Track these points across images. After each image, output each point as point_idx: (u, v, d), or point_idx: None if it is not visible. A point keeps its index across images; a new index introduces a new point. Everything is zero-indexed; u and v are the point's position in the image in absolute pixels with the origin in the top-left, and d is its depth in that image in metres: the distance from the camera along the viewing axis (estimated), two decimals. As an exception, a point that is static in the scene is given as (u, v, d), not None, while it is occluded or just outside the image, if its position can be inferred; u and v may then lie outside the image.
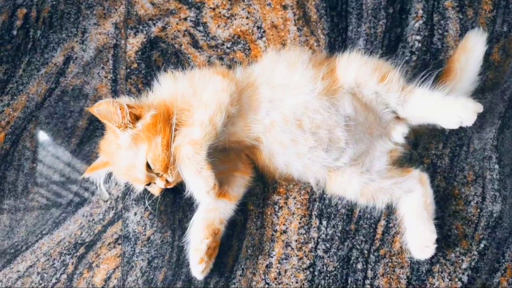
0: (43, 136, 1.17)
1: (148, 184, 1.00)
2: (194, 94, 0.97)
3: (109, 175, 1.05)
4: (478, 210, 1.09)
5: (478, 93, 1.11)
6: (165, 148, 0.93)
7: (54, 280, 1.10)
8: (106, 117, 0.93)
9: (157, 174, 0.97)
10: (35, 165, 1.16)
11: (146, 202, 1.09)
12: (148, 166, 0.95)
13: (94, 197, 1.14)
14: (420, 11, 1.19)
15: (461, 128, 0.95)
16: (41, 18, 1.23)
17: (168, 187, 0.99)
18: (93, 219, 1.13)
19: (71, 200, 1.14)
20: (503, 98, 1.14)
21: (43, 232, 1.13)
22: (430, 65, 1.13)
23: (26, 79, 1.20)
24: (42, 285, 1.10)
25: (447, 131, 1.11)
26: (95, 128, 1.16)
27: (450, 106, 0.95)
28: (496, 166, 1.11)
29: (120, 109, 0.92)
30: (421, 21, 1.18)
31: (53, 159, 1.16)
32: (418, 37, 1.18)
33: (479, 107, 0.94)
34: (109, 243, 1.11)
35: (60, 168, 1.16)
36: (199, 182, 0.90)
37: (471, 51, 1.08)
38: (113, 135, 0.97)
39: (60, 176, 1.16)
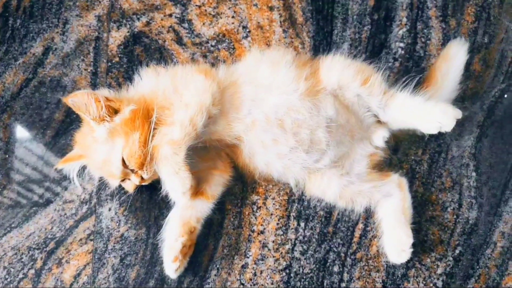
0: (19, 130, 1.14)
1: (123, 180, 0.98)
2: (175, 92, 0.95)
3: (83, 168, 1.02)
4: (455, 217, 1.10)
5: (458, 102, 1.12)
6: (142, 145, 0.91)
7: (21, 275, 1.06)
8: (81, 108, 0.91)
9: (132, 171, 0.94)
10: (7, 156, 1.12)
11: (114, 201, 1.07)
12: (123, 162, 0.93)
13: (67, 191, 1.10)
14: (404, 19, 1.20)
15: (440, 134, 0.95)
16: (21, 7, 1.20)
17: (143, 184, 0.97)
18: (65, 214, 1.09)
19: (43, 193, 1.10)
20: (482, 108, 1.16)
21: (12, 225, 1.09)
22: (412, 72, 1.14)
23: (3, 68, 1.17)
24: (8, 279, 1.06)
25: (426, 137, 1.12)
26: (72, 120, 1.13)
27: (430, 111, 0.96)
28: (473, 174, 1.12)
29: (96, 101, 0.90)
30: (405, 29, 1.20)
31: (27, 151, 1.13)
32: (402, 44, 1.19)
33: (458, 113, 0.95)
34: (81, 239, 1.08)
35: (33, 160, 1.12)
36: (175, 182, 0.89)
37: (452, 60, 1.09)
38: (89, 128, 0.95)
39: (33, 169, 1.12)
